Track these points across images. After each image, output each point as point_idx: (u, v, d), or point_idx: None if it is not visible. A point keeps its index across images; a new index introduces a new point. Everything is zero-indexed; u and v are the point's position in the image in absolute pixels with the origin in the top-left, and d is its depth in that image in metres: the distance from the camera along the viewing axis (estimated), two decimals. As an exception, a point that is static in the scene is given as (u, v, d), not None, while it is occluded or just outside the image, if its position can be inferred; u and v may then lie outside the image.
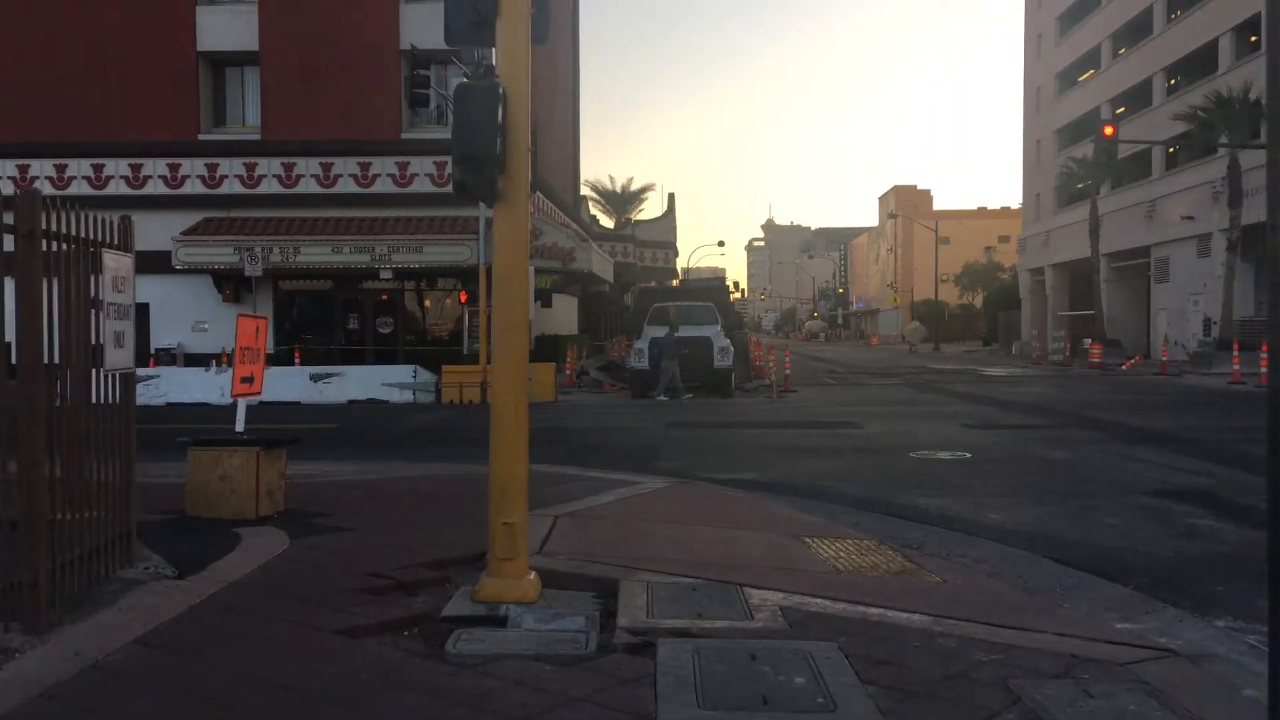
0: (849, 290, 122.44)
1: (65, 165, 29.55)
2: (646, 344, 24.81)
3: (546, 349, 35.88)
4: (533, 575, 5.97)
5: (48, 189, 29.25)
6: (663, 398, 23.52)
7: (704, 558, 7.05)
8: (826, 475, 11.59)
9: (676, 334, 24.51)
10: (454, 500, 9.20)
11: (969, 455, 13.00)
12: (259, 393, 8.94)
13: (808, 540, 7.82)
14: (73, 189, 29.49)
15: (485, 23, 5.81)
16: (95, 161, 29.60)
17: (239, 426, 8.74)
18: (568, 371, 29.43)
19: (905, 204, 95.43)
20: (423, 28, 26.88)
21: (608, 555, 7.03)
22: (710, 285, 33.72)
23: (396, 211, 29.67)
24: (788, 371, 27.27)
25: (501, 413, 5.95)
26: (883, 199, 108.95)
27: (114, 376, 6.02)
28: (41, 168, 29.46)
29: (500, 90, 5.61)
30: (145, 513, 8.65)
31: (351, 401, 24.22)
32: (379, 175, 29.89)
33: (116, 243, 6.13)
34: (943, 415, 18.52)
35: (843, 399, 23.80)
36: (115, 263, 5.94)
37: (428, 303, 31.83)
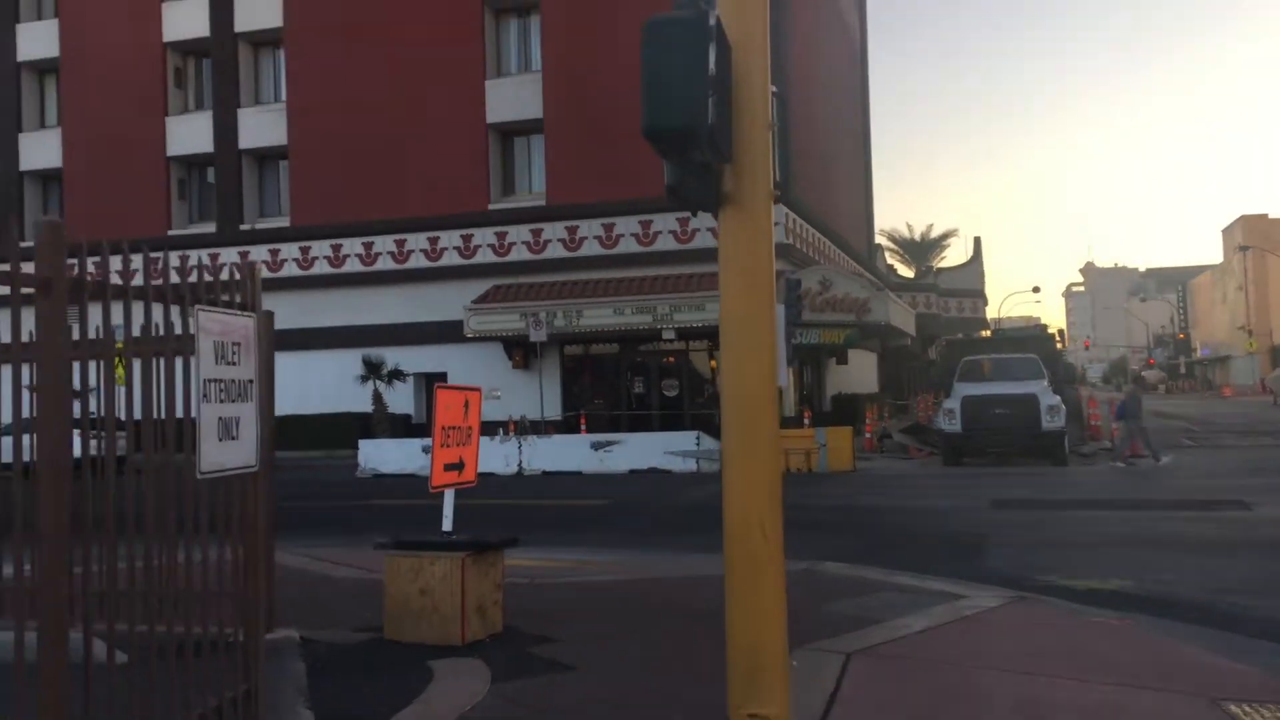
0: (1190, 335, 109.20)
1: (371, 243, 30.88)
2: (958, 403, 21.65)
3: (843, 410, 33.27)
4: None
5: (358, 266, 30.78)
6: (1154, 461, 19.92)
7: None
8: (1228, 585, 8.37)
9: (991, 391, 21.24)
10: (721, 622, 7.04)
11: None
12: (472, 481, 7.29)
13: (1235, 709, 5.00)
14: (378, 265, 30.79)
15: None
16: (398, 237, 30.73)
17: (446, 524, 7.11)
18: (867, 435, 26.61)
19: (1256, 235, 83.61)
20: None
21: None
22: (1031, 334, 29.72)
23: (679, 269, 28.46)
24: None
25: (740, 541, 3.79)
26: (1227, 231, 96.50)
27: (224, 483, 4.46)
28: (351, 246, 30.95)
29: (712, 22, 3.52)
30: (343, 627, 7.25)
31: (632, 471, 22.84)
32: (660, 232, 28.87)
33: (230, 299, 4.61)
34: (1365, 490, 14.14)
35: (1211, 467, 19.41)
36: (220, 325, 4.39)
37: (713, 363, 30.24)
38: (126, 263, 4.59)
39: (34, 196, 34.32)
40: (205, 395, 4.24)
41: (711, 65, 3.56)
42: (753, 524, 3.77)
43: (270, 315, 6.04)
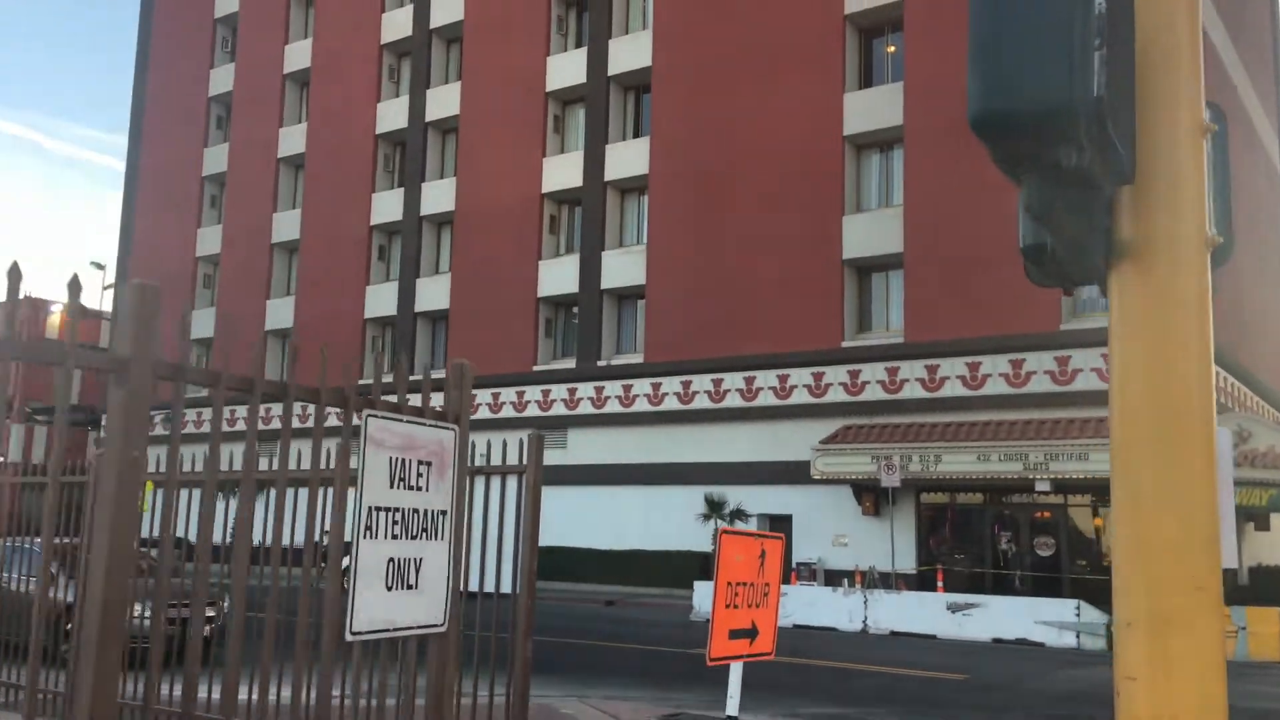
0: None
1: (721, 379, 30.54)
2: None
3: (1264, 586, 27.68)
4: None
5: (706, 403, 30.51)
6: None
7: None
8: None
9: None
10: None
11: None
12: (768, 653, 5.77)
13: None
14: (726, 402, 30.32)
15: None
16: (747, 375, 30.15)
17: (730, 707, 5.61)
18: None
19: None
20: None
21: None
22: None
23: (1055, 413, 25.26)
24: None
25: None
26: None
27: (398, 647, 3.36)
28: (701, 383, 30.80)
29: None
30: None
31: (996, 640, 19.82)
32: (1034, 373, 25.91)
33: (424, 408, 3.61)
34: None
35: None
36: (400, 437, 3.37)
37: (1097, 521, 26.27)
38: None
39: (424, 335, 37.87)
40: (370, 528, 3.19)
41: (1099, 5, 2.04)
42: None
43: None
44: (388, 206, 39.03)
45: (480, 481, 5.54)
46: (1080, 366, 25.27)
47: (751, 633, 5.59)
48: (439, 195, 37.66)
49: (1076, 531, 26.12)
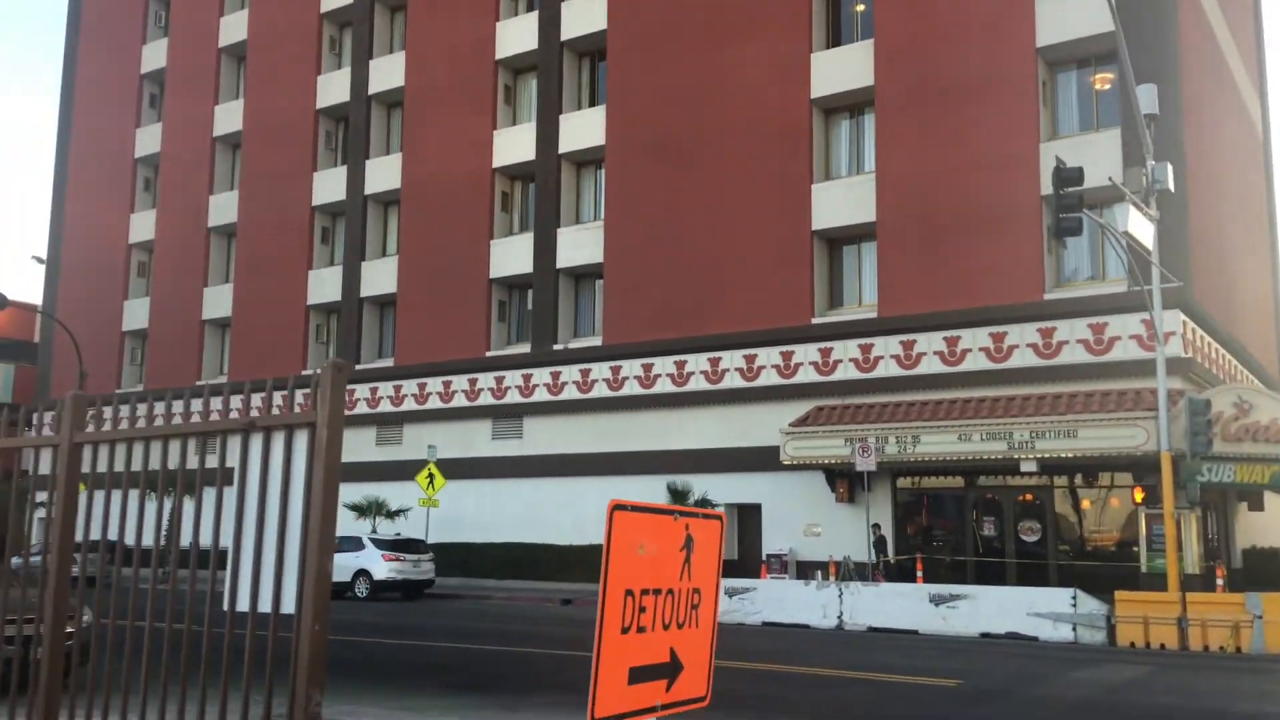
0: None
1: (684, 361, 28.64)
2: None
3: (1258, 568, 26.41)
4: None
5: (669, 386, 28.64)
6: None
7: None
8: None
9: None
10: None
11: None
12: (701, 698, 3.79)
13: None
14: (690, 385, 28.46)
15: None
16: (712, 356, 28.26)
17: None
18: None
19: None
20: (1074, 153, 21.19)
21: None
22: None
23: (1041, 388, 23.64)
24: None
25: None
26: None
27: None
28: (663, 365, 28.89)
29: None
30: None
31: (984, 635, 18.08)
32: (1016, 346, 24.24)
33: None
34: None
35: None
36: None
37: (1085, 503, 24.67)
38: None
39: (371, 321, 35.66)
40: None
41: None
42: None
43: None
44: (330, 186, 36.78)
45: (256, 447, 3.60)
46: (1066, 338, 23.65)
47: (670, 669, 3.58)
48: (384, 173, 35.47)
49: (1062, 515, 24.53)
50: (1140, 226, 18.56)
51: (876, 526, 24.32)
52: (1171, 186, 19.67)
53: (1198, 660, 15.18)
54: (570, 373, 30.31)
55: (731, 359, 28.00)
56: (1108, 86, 23.78)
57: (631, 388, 29.36)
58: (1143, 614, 17.08)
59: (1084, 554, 23.72)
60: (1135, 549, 21.54)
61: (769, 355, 27.46)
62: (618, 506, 3.15)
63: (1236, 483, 21.63)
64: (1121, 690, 11.63)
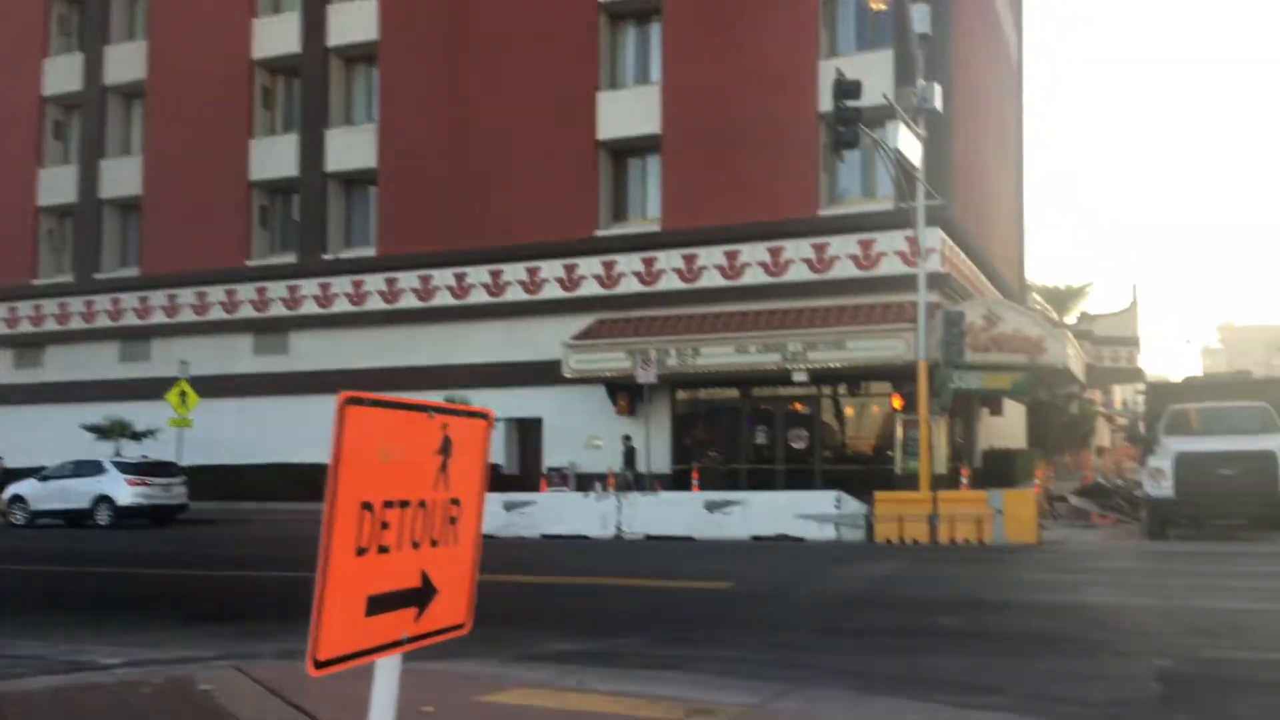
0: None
1: (464, 274, 27.67)
2: (1170, 461, 16.82)
3: (996, 468, 28.51)
4: None
5: (448, 299, 27.59)
6: None
7: None
8: None
9: (1214, 448, 16.51)
10: None
11: None
12: (460, 625, 3.18)
13: None
14: (471, 298, 27.57)
15: None
16: (493, 268, 27.44)
17: None
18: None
19: None
20: (850, 71, 21.49)
21: None
22: (1255, 383, 23.97)
23: (813, 301, 24.33)
24: None
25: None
26: None
27: None
28: (442, 277, 27.81)
29: None
30: None
31: (756, 538, 18.61)
32: (792, 261, 24.80)
33: None
34: None
35: None
36: None
37: (849, 411, 25.85)
38: None
39: (113, 226, 32.41)
40: None
41: None
42: None
43: None
44: (64, 74, 32.85)
45: None
46: (838, 254, 24.40)
47: (421, 594, 2.95)
48: (126, 61, 31.94)
49: (828, 424, 25.61)
50: (909, 145, 19.13)
51: (627, 438, 24.60)
52: (940, 106, 20.36)
53: (947, 553, 16.16)
54: (342, 284, 28.71)
55: (514, 271, 27.30)
56: (884, 6, 24.26)
57: (408, 300, 28.14)
58: (898, 513, 18.01)
59: (846, 459, 24.89)
60: (890, 453, 22.77)
61: (552, 268, 26.95)
62: (351, 399, 2.51)
63: (983, 389, 23.17)
64: (883, 584, 12.13)
